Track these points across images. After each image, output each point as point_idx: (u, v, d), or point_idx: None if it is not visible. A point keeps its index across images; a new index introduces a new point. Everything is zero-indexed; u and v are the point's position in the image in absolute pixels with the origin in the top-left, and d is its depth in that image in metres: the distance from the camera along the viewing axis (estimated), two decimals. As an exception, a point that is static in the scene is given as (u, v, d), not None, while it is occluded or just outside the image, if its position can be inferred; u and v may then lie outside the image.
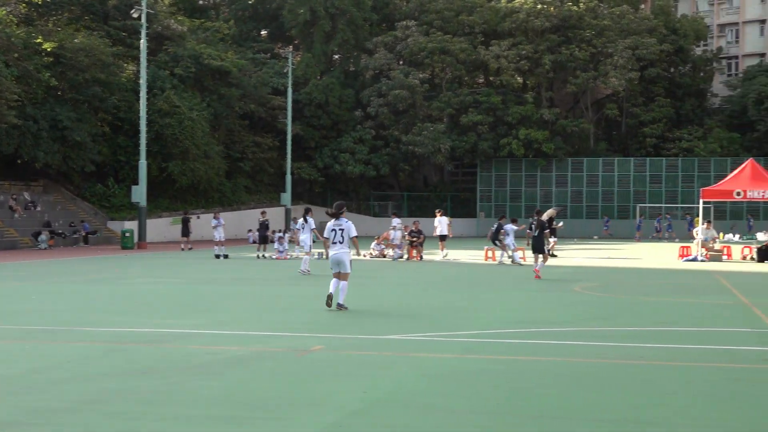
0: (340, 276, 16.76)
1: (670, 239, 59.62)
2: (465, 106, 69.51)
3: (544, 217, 38.48)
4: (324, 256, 21.48)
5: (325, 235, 17.17)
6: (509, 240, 33.74)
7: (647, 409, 8.60)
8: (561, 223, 39.14)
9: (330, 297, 16.68)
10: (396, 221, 36.51)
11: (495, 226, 34.19)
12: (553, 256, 36.86)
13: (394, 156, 70.50)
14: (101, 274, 27.60)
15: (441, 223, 36.01)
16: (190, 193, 59.72)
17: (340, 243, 16.77)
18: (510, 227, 34.03)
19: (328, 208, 22.59)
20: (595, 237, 64.63)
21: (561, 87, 73.27)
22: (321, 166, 69.39)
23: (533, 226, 25.91)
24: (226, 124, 64.07)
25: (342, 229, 16.80)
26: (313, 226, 28.94)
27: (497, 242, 33.61)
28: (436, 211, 38.02)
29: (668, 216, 62.74)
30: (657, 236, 60.97)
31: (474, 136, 68.40)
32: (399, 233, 36.17)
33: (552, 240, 37.14)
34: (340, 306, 16.59)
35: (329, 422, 7.99)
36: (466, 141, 68.41)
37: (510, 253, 33.32)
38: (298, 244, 37.91)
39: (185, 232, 42.64)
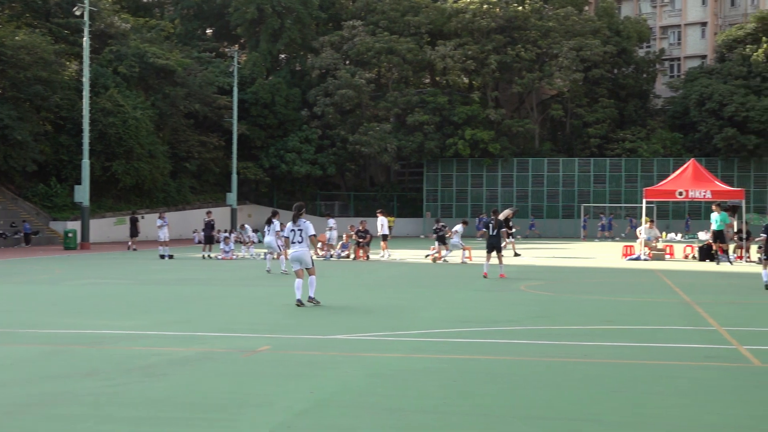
0: (308, 271, 17.64)
1: (603, 239, 60.22)
2: (411, 106, 69.71)
3: (501, 217, 38.89)
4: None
5: (284, 235, 18.31)
6: (456, 239, 33.99)
7: (590, 406, 8.71)
8: (514, 230, 39.53)
9: (299, 302, 17.37)
10: (331, 222, 36.61)
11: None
12: (517, 255, 37.17)
13: (341, 156, 70.47)
14: (43, 274, 27.21)
15: (382, 223, 36.31)
16: (135, 193, 59.13)
17: (299, 242, 17.64)
18: (460, 227, 34.33)
19: (273, 208, 23.07)
20: (518, 237, 65.26)
21: (507, 87, 73.80)
22: (267, 165, 69.07)
23: (491, 225, 25.90)
24: (170, 124, 63.51)
25: (300, 230, 17.68)
26: (278, 228, 28.87)
27: (440, 241, 33.96)
28: (377, 211, 38.12)
29: (602, 215, 63.28)
30: (606, 235, 61.55)
31: (420, 136, 68.60)
32: (335, 233, 36.36)
33: (508, 240, 37.47)
34: (311, 299, 17.51)
35: (276, 423, 7.98)
36: (413, 141, 68.58)
37: (444, 252, 33.65)
38: (245, 244, 37.93)
39: (134, 232, 42.24)
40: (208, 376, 10.23)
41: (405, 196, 74.83)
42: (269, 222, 29.28)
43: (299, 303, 17.29)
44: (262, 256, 35.26)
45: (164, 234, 36.42)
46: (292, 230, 17.77)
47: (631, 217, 62.61)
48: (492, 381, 9.93)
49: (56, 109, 54.67)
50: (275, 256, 28.83)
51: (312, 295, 17.56)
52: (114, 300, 19.22)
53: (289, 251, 17.88)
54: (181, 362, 11.16)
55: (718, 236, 33.27)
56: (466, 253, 33.59)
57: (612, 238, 59.99)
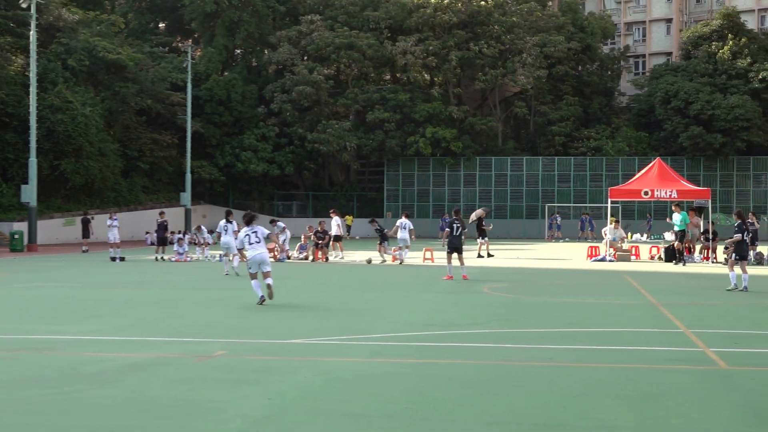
0: (264, 275, 18.26)
1: (557, 239, 60.58)
2: (372, 103, 69.67)
3: (473, 217, 38.95)
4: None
5: (241, 238, 18.87)
6: (404, 234, 33.87)
7: (554, 411, 8.76)
8: (491, 225, 39.54)
9: (262, 298, 18.20)
10: (281, 224, 36.69)
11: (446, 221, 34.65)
12: (490, 256, 37.25)
13: (299, 154, 70.27)
14: (-12, 278, 26.87)
15: (336, 224, 36.38)
16: (84, 192, 58.54)
17: (258, 243, 18.50)
18: (405, 221, 34.05)
19: (228, 208, 23.77)
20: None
21: (469, 84, 73.92)
22: (222, 164, 68.70)
23: (456, 225, 25.77)
24: (122, 121, 62.96)
25: (255, 232, 18.61)
26: (236, 228, 28.68)
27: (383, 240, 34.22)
28: (331, 211, 38.15)
29: (557, 215, 63.57)
30: (557, 236, 61.79)
31: (381, 134, 68.60)
32: (288, 234, 36.44)
33: (480, 241, 37.57)
34: (269, 287, 18.12)
35: (232, 430, 7.93)
36: (373, 139, 68.57)
37: (399, 253, 33.73)
38: (199, 246, 37.71)
39: (86, 233, 41.91)
40: (160, 383, 10.15)
41: (365, 196, 74.81)
42: (227, 221, 29.05)
43: (263, 300, 18.09)
44: (218, 258, 35.05)
45: (114, 235, 36.08)
46: (247, 234, 18.58)
47: (585, 215, 62.29)
48: (455, 386, 9.94)
49: (1, 105, 53.94)
50: (230, 258, 28.63)
51: (269, 285, 18.20)
52: (62, 304, 19.02)
53: (249, 253, 18.44)
54: (133, 368, 11.06)
55: (680, 236, 33.65)
56: (407, 252, 33.79)
57: (563, 239, 60.28)
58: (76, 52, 58.18)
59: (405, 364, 11.40)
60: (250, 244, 18.45)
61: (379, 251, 34.96)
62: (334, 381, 10.21)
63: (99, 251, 41.74)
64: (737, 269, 21.99)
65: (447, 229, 26.39)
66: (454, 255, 25.57)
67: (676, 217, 33.52)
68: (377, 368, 11.10)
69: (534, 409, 8.82)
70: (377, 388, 9.78)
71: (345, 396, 9.42)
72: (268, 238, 18.98)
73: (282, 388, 9.78)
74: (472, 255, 36.64)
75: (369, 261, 34.23)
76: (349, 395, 9.46)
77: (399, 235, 33.74)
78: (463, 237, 25.90)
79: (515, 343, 13.15)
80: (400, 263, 33.30)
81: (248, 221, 18.90)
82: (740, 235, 22.37)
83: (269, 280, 18.17)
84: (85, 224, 42.09)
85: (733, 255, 22.22)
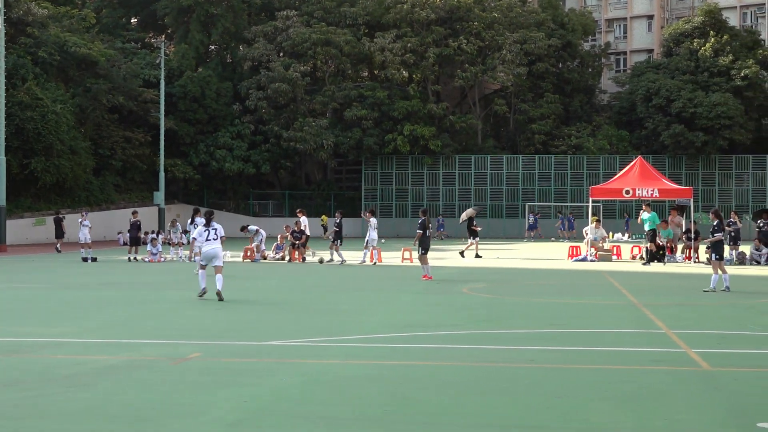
0: (216, 269, 19.46)
1: (530, 239, 60.74)
2: (349, 100, 69.59)
3: (464, 216, 39.02)
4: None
5: (196, 236, 20.80)
6: (374, 234, 33.73)
7: (536, 412, 8.81)
8: (480, 229, 39.66)
9: (204, 291, 19.61)
10: (252, 228, 36.92)
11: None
12: (478, 257, 37.26)
13: (275, 152, 70.10)
14: (-44, 279, 26.68)
15: (305, 224, 36.41)
16: (55, 191, 58.18)
17: (214, 239, 19.76)
18: (374, 221, 34.05)
19: (196, 206, 24.75)
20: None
21: (448, 81, 74.00)
22: (197, 163, 68.41)
23: (429, 226, 26.32)
24: (93, 118, 62.56)
25: (215, 229, 19.93)
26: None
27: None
28: (297, 210, 38.22)
29: (533, 215, 63.60)
30: (531, 235, 61.87)
31: (359, 132, 68.55)
32: (263, 234, 36.68)
33: (471, 240, 37.62)
34: (219, 293, 19.02)
35: (208, 434, 7.93)
36: (351, 137, 68.50)
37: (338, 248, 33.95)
38: (173, 246, 37.64)
39: (59, 233, 41.86)
40: (135, 386, 10.12)
41: (343, 195, 74.73)
42: (193, 219, 30.18)
43: (204, 291, 19.57)
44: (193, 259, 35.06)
45: (85, 235, 35.88)
46: (206, 230, 19.93)
47: (564, 215, 62.42)
48: (435, 388, 9.97)
49: (-31, 101, 53.59)
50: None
51: (220, 289, 19.10)
52: (34, 306, 18.93)
53: (204, 248, 19.78)
54: (107, 371, 11.04)
55: (651, 236, 33.86)
56: (367, 253, 33.82)
57: (536, 238, 60.45)
58: (47, 46, 57.82)
59: (384, 366, 11.42)
60: (207, 240, 19.72)
61: (332, 249, 34.54)
62: (312, 383, 10.22)
63: (71, 251, 41.52)
64: (719, 270, 22.12)
65: (420, 231, 26.39)
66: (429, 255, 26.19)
67: (645, 216, 33.74)
68: (355, 370, 11.11)
69: (516, 411, 8.86)
70: (355, 391, 9.80)
71: (322, 399, 9.43)
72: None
73: (258, 391, 9.78)
74: (470, 254, 36.85)
75: (321, 261, 34.31)
76: (326, 398, 9.47)
77: (371, 235, 33.64)
78: (430, 237, 26.93)
79: (496, 345, 13.20)
80: (373, 263, 33.27)
81: (208, 219, 20.18)
82: (721, 234, 22.65)
83: (220, 276, 19.32)
84: (58, 223, 42.02)
85: (713, 255, 22.35)
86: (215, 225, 20.06)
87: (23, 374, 10.74)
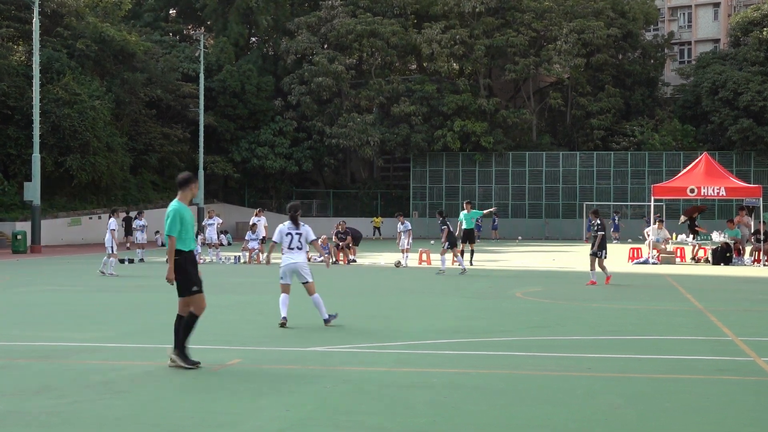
0: (307, 288, 16.00)
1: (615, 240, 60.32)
2: (396, 94, 69.61)
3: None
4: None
5: (276, 239, 16.16)
6: (406, 239, 33.58)
7: (593, 424, 8.75)
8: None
9: (284, 321, 15.76)
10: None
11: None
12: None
13: (318, 150, 70.35)
14: (-11, 281, 27.08)
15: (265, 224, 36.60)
16: (90, 190, 58.77)
17: (298, 249, 15.86)
18: (403, 225, 33.92)
19: (244, 206, 23.59)
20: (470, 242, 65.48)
21: (500, 74, 73.77)
22: (237, 160, 68.89)
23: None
24: (129, 113, 63.14)
25: (300, 234, 15.83)
26: (221, 221, 29.70)
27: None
28: (256, 210, 38.65)
29: (616, 215, 63.16)
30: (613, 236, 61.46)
31: (406, 128, 68.54)
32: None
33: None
34: (327, 322, 15.91)
35: (247, 444, 7.98)
36: (398, 133, 68.51)
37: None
38: (211, 247, 37.83)
39: (128, 231, 41.88)
40: (172, 393, 10.21)
41: (390, 194, 74.76)
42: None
43: (284, 322, 15.65)
44: (232, 261, 35.44)
45: (142, 236, 36.86)
46: (289, 234, 15.86)
47: (617, 214, 61.86)
48: (486, 397, 9.94)
49: (3, 97, 54.22)
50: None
51: (325, 318, 15.92)
52: (68, 309, 19.15)
53: (284, 258, 15.91)
54: (143, 377, 11.13)
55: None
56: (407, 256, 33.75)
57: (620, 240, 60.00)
58: (84, 37, 58.34)
59: (432, 374, 11.40)
60: (289, 248, 15.83)
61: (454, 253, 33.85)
62: (356, 392, 10.24)
63: (97, 253, 41.87)
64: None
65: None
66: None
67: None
68: (403, 378, 11.11)
69: (571, 423, 8.80)
70: (402, 400, 9.79)
71: (367, 408, 9.44)
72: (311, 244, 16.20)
73: (301, 399, 9.81)
74: (481, 257, 36.70)
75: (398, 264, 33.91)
76: (371, 407, 9.47)
77: (402, 240, 33.30)
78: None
79: (550, 352, 13.12)
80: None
81: (292, 218, 16.09)
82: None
83: (316, 298, 16.00)
84: (128, 222, 41.35)
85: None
86: (302, 227, 16.02)
87: (56, 380, 10.85)
